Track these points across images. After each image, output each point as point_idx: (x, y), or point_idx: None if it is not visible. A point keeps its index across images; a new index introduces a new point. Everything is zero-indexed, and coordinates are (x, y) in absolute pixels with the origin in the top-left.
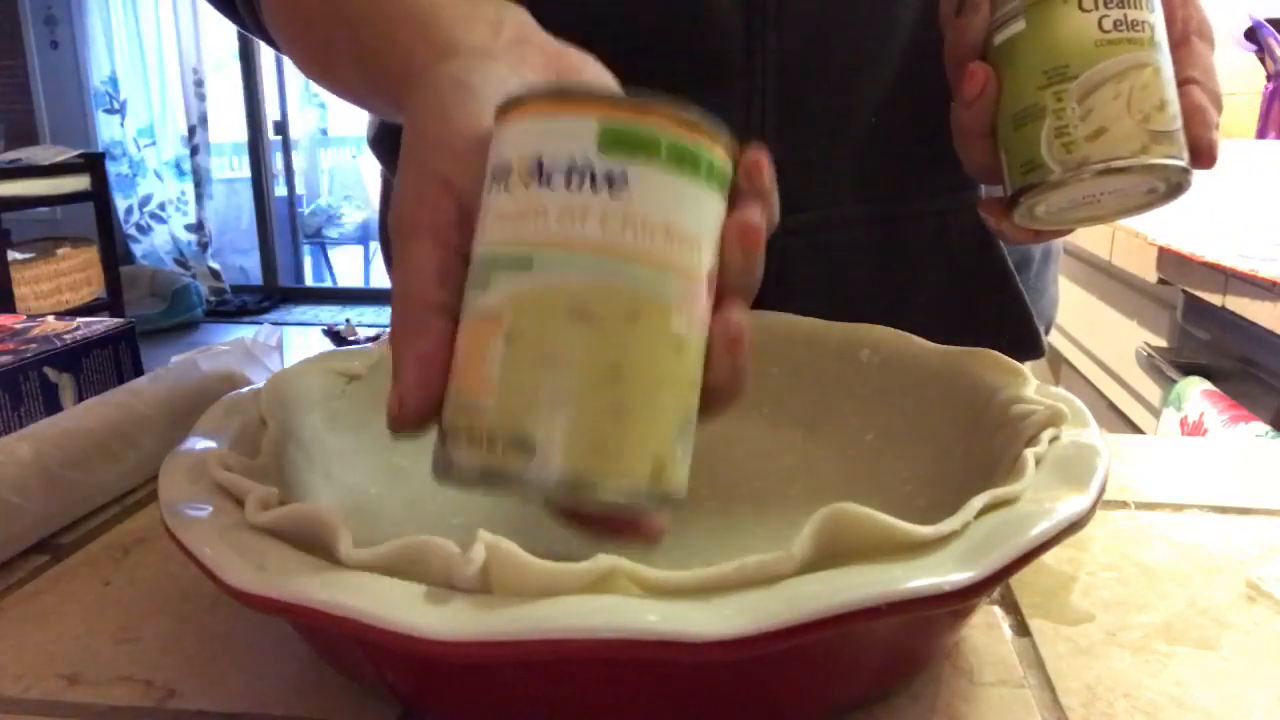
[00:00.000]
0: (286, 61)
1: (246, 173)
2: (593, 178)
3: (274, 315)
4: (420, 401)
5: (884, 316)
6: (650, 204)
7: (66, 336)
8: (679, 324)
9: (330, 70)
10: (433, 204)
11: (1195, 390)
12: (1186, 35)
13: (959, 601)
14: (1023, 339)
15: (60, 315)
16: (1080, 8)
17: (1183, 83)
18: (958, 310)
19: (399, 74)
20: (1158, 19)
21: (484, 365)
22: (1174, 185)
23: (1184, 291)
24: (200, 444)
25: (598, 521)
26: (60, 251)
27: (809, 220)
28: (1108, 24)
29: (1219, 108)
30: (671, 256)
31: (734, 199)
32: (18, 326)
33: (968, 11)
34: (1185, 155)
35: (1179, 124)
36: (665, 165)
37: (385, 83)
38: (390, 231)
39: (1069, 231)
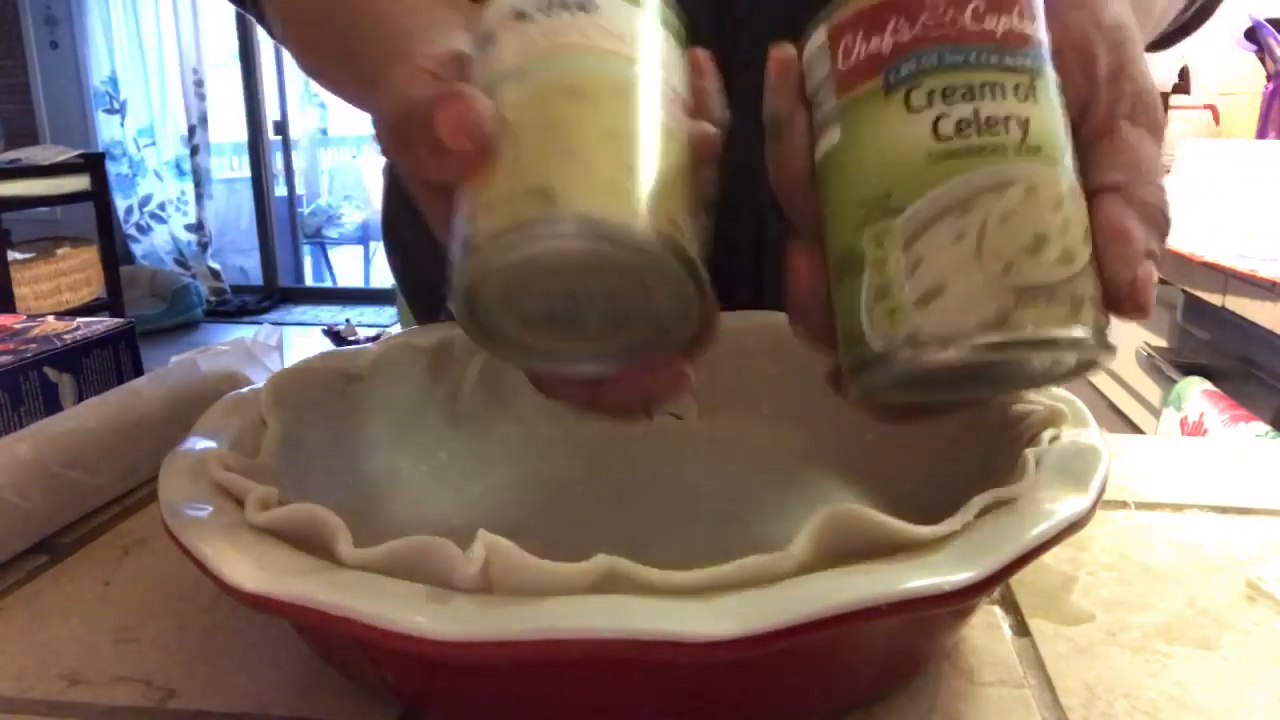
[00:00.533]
0: (286, 61)
1: (246, 173)
2: (564, 4)
3: (274, 315)
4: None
5: None
6: (618, 21)
7: (66, 336)
8: (665, 117)
9: (325, 72)
10: (423, 82)
11: (1195, 390)
12: (1113, 121)
13: (959, 601)
14: None
15: (60, 315)
16: (908, 106)
17: (1097, 191)
18: None
19: (382, 67)
20: (1042, 108)
21: (497, 159)
22: (1071, 363)
23: (1184, 291)
24: (200, 444)
25: (617, 380)
26: (60, 251)
27: None
28: (947, 127)
29: (1159, 225)
30: (645, 60)
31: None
32: (18, 326)
33: (781, 133)
34: (1087, 315)
35: (1078, 266)
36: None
37: (371, 77)
38: (378, 107)
39: (962, 408)
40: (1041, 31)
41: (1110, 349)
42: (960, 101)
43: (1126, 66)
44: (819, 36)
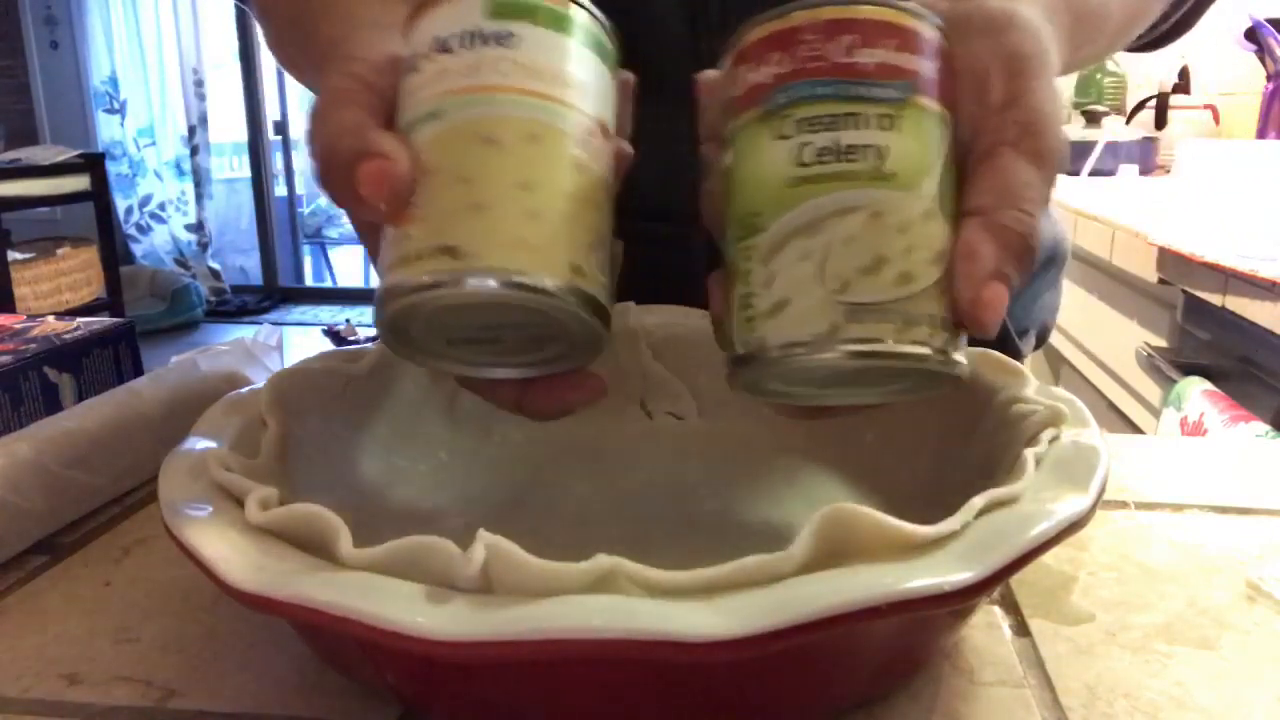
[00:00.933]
0: None
1: (246, 173)
2: (484, 38)
3: (274, 315)
4: (399, 165)
5: None
6: (537, 53)
7: (66, 336)
8: (579, 153)
9: (291, 60)
10: (354, 93)
11: (1195, 390)
12: (996, 147)
13: (959, 601)
14: (991, 344)
15: (60, 315)
16: (779, 133)
17: (963, 214)
18: None
19: (320, 63)
20: (905, 137)
21: (413, 208)
22: (911, 375)
23: (1184, 291)
24: (200, 444)
25: (541, 388)
26: (60, 251)
27: None
28: (809, 155)
29: (1016, 250)
30: (563, 96)
31: None
32: (18, 326)
33: (708, 171)
34: (921, 332)
35: (919, 287)
36: (546, 25)
37: (313, 70)
38: (311, 119)
39: (845, 411)
40: (921, 62)
41: (951, 364)
42: (822, 131)
43: (1022, 96)
44: (725, 64)
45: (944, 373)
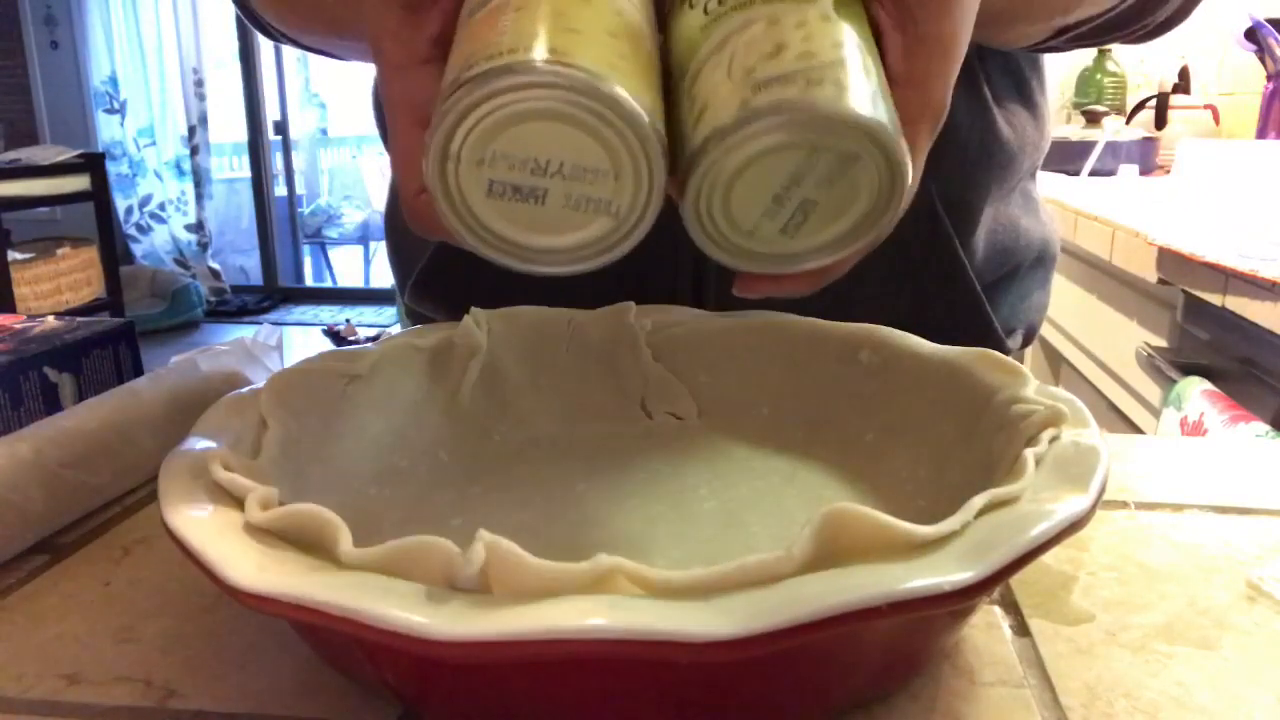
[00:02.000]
0: (287, 61)
1: (246, 173)
2: None
3: (274, 315)
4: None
5: (828, 312)
6: None
7: (66, 336)
8: (622, 6)
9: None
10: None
11: (1195, 390)
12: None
13: (959, 601)
14: (977, 341)
15: (60, 315)
16: (690, 4)
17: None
18: (907, 308)
19: None
20: None
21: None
22: (847, 156)
23: (1184, 291)
24: (200, 444)
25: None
26: (60, 251)
27: None
28: (712, 6)
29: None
30: None
31: None
32: (18, 326)
33: None
34: (831, 90)
35: (823, 60)
36: None
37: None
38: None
39: (809, 273)
40: None
41: (870, 122)
42: None
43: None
44: None
45: (863, 122)
